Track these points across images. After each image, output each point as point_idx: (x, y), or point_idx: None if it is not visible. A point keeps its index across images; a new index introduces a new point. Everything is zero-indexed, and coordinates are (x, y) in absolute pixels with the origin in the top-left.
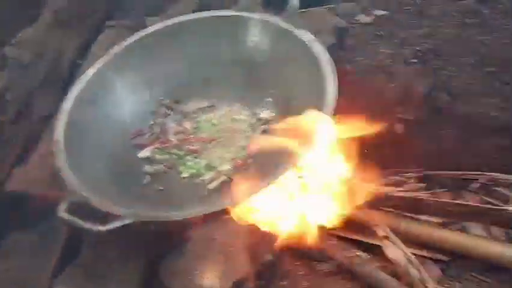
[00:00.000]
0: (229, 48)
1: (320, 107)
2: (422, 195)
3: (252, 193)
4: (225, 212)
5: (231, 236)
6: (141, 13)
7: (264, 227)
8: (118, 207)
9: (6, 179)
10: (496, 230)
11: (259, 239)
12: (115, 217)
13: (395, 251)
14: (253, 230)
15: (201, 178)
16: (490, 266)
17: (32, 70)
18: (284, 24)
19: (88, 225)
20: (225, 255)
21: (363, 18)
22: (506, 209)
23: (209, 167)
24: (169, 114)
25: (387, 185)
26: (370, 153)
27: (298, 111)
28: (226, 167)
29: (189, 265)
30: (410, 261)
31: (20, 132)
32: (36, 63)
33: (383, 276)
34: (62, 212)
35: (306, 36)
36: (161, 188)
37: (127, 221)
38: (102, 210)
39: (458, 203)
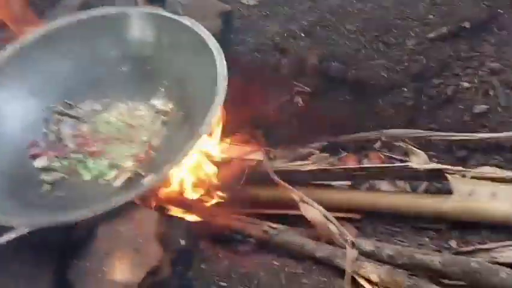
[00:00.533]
0: (115, 45)
1: (213, 91)
2: (328, 164)
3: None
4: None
5: (138, 228)
6: None
7: (172, 212)
8: (9, 218)
9: None
10: (400, 183)
11: (168, 226)
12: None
13: (313, 211)
14: (160, 217)
15: (105, 178)
16: (400, 217)
17: None
18: (167, 14)
19: None
20: (133, 248)
21: (248, 0)
22: (407, 164)
23: (112, 166)
24: (61, 120)
25: (295, 159)
26: (279, 130)
27: (194, 98)
28: (129, 163)
29: (98, 263)
30: (327, 218)
31: None
32: None
33: (301, 239)
34: None
35: (189, 22)
36: (62, 194)
37: (22, 231)
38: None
39: (361, 167)
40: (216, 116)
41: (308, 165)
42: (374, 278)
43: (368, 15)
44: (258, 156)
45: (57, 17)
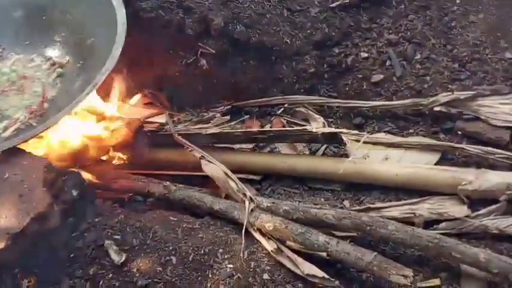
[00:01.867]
0: None
1: (112, 42)
2: (230, 128)
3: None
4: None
5: (24, 174)
6: None
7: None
8: None
9: None
10: (300, 147)
11: (60, 175)
12: None
13: (213, 168)
14: (50, 165)
15: None
16: (298, 179)
17: None
18: None
19: None
20: (18, 193)
21: None
22: (306, 129)
23: (3, 117)
24: None
25: (199, 122)
26: (183, 93)
27: (91, 49)
28: (20, 114)
29: None
30: (228, 175)
31: None
32: None
33: (200, 194)
34: None
35: None
36: None
37: None
38: None
39: (261, 130)
40: (113, 65)
41: (210, 128)
42: (269, 226)
43: None
44: (161, 118)
45: None
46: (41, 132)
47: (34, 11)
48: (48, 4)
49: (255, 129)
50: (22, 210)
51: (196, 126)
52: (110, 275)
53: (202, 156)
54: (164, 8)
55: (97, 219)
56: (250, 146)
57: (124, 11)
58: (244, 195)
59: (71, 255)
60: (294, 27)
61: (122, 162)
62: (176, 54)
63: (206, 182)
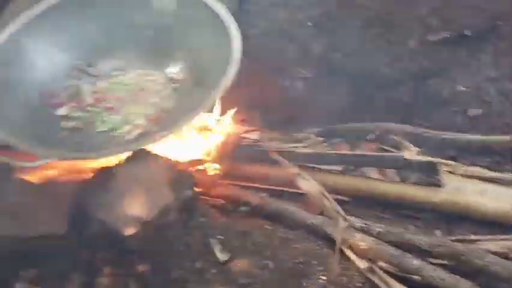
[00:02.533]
0: (140, 14)
1: (225, 66)
2: (323, 149)
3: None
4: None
5: (152, 173)
6: None
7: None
8: (39, 148)
9: None
10: (390, 173)
11: (178, 176)
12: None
13: (308, 184)
14: (172, 167)
15: (118, 131)
16: (388, 204)
17: None
18: None
19: (18, 162)
20: (148, 189)
21: None
22: (401, 155)
23: (125, 122)
24: (81, 78)
25: (292, 141)
26: (276, 113)
27: (206, 69)
28: (141, 121)
29: (115, 198)
30: (322, 193)
31: None
32: None
33: (295, 208)
34: None
35: (210, 1)
36: (79, 140)
37: (49, 160)
38: (25, 151)
39: (355, 154)
40: (228, 83)
41: (304, 148)
42: (362, 245)
43: (373, 12)
44: (255, 135)
45: None
46: (166, 136)
47: (161, 32)
48: (173, 27)
49: (349, 152)
50: (150, 203)
51: (289, 145)
52: (214, 270)
53: (298, 173)
54: (268, 34)
55: (202, 219)
56: (340, 168)
57: (240, 37)
58: (338, 213)
59: (181, 249)
60: (391, 58)
61: (218, 172)
62: (274, 76)
63: (294, 197)
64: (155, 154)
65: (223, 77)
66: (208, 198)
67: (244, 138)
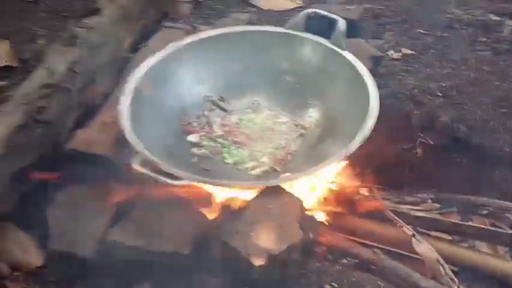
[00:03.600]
0: (279, 60)
1: (359, 118)
2: (437, 215)
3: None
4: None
5: (283, 208)
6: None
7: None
8: (182, 172)
9: (68, 139)
10: (501, 250)
11: (306, 217)
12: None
13: (424, 248)
14: (302, 207)
15: (244, 166)
16: (496, 281)
17: (96, 52)
18: (332, 46)
19: (161, 178)
20: (279, 224)
21: (393, 54)
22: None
23: (251, 157)
24: (213, 110)
25: (405, 203)
26: (392, 174)
27: (337, 125)
28: (266, 159)
29: (246, 228)
30: (437, 259)
31: (84, 101)
32: (100, 47)
33: (407, 269)
34: (136, 165)
35: (350, 57)
36: (208, 168)
37: (193, 181)
38: (168, 172)
39: (470, 225)
40: (365, 137)
41: (419, 211)
42: None
43: (502, 92)
44: (366, 191)
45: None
46: (303, 177)
47: (297, 80)
48: (310, 76)
49: (465, 222)
50: (280, 238)
51: (405, 206)
52: None
53: (413, 234)
54: (397, 97)
55: (317, 264)
56: (448, 237)
57: (377, 90)
58: (453, 281)
59: None
60: None
61: (330, 222)
62: (395, 138)
63: (405, 259)
64: (289, 193)
65: (359, 130)
66: (320, 245)
67: (358, 193)
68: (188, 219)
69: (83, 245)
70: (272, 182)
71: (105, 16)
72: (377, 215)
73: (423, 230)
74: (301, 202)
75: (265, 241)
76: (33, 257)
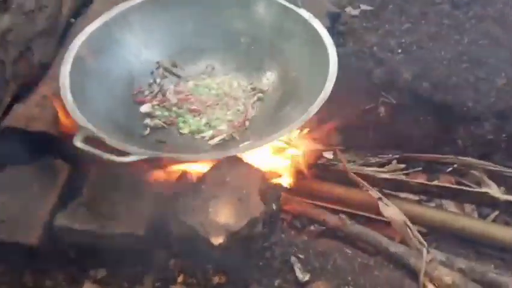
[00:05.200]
0: (233, 20)
1: (319, 80)
2: (402, 176)
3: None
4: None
5: (242, 180)
6: None
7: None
8: (131, 146)
9: (4, 116)
10: (468, 208)
11: (267, 188)
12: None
13: (391, 211)
14: (262, 177)
15: (201, 135)
16: (466, 240)
17: (32, 19)
18: (286, 3)
19: (106, 155)
20: (237, 197)
21: (351, 11)
22: (486, 191)
23: (208, 126)
24: (166, 77)
25: (370, 165)
26: (355, 135)
27: (296, 85)
28: (224, 127)
29: (204, 203)
30: (405, 221)
31: (20, 73)
32: (36, 13)
33: (375, 233)
34: (79, 142)
35: (307, 15)
36: (163, 140)
37: (142, 156)
38: (116, 147)
39: (436, 185)
40: (324, 100)
41: (384, 173)
42: (447, 279)
43: (463, 47)
44: (328, 154)
45: None
46: (257, 147)
47: (251, 41)
48: (265, 36)
49: (432, 182)
50: (240, 212)
51: (370, 168)
52: None
53: (380, 198)
54: (357, 56)
55: (283, 235)
56: (417, 197)
57: (335, 51)
58: (421, 243)
59: (260, 264)
60: (478, 93)
61: (292, 188)
62: (356, 98)
63: (372, 222)
64: (247, 163)
65: (319, 93)
66: (284, 213)
67: (321, 156)
68: (141, 197)
69: (27, 232)
70: (229, 152)
71: None
72: (342, 179)
73: (389, 192)
74: (262, 172)
75: (223, 217)
76: None
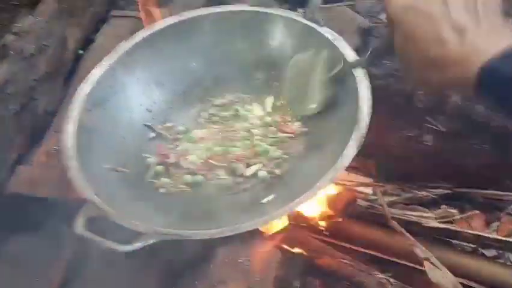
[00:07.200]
0: (248, 47)
1: (352, 114)
2: (455, 225)
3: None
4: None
5: (257, 261)
6: None
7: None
8: (140, 223)
9: (8, 179)
10: None
11: (288, 266)
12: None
13: (440, 275)
14: (283, 258)
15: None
16: None
17: (33, 64)
18: (308, 22)
19: (107, 243)
20: (248, 285)
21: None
22: None
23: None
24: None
25: (416, 202)
26: (397, 165)
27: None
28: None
29: None
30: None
31: (23, 128)
32: (37, 56)
33: None
34: (80, 228)
35: (330, 35)
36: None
37: (150, 241)
38: (122, 225)
39: (497, 238)
40: (358, 146)
41: (432, 221)
42: None
43: None
44: (367, 189)
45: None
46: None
47: (270, 69)
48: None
49: (491, 235)
50: None
51: (414, 213)
52: None
53: (427, 258)
54: (396, 76)
55: None
56: (472, 246)
57: (369, 83)
58: None
59: None
60: None
61: (320, 229)
62: (397, 124)
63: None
64: (265, 235)
65: (353, 133)
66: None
67: (358, 192)
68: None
69: None
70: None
71: (41, 13)
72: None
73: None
74: (279, 254)
75: None
76: None
